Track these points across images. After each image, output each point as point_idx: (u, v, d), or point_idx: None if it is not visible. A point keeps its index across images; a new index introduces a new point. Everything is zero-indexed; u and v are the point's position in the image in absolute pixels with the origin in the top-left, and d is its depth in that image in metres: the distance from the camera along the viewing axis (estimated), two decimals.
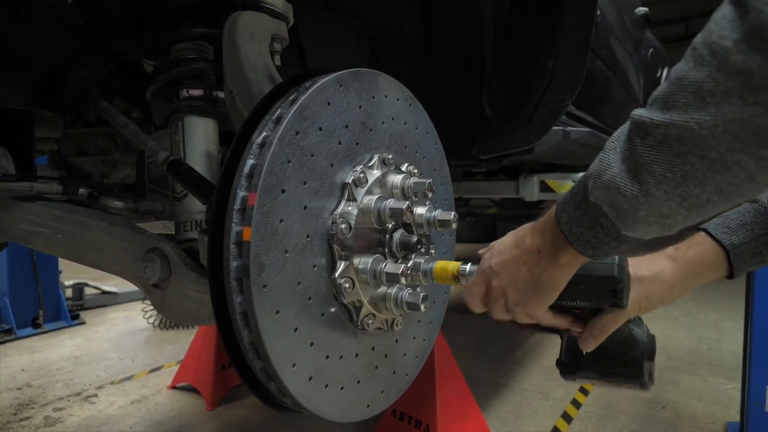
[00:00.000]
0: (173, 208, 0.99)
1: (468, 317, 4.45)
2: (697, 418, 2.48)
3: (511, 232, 0.73)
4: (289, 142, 0.66)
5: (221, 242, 0.63)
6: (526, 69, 1.40)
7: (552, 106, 1.39)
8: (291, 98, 0.71)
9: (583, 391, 2.81)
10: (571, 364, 0.84)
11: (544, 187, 2.03)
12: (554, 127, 1.56)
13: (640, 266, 0.77)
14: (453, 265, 0.80)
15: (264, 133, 0.67)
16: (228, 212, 0.63)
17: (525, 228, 0.70)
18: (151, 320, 4.15)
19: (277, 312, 0.65)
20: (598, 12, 1.69)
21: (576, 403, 2.66)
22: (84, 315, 4.47)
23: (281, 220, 0.65)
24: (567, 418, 2.50)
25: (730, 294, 4.29)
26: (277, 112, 0.69)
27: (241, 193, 0.64)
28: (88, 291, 4.83)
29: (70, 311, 4.35)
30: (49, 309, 4.17)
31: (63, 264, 4.29)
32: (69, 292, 4.66)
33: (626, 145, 0.52)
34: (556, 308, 0.73)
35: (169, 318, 0.95)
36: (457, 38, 1.48)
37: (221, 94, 1.01)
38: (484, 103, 1.49)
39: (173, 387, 2.94)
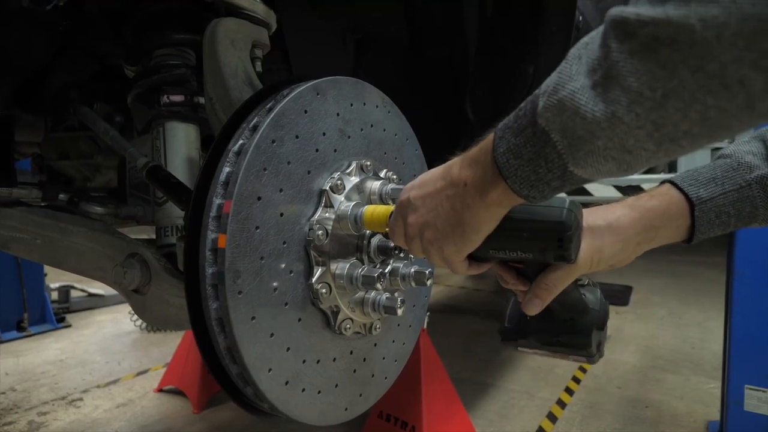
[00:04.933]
0: (154, 214, 0.99)
1: (455, 318, 4.47)
2: (679, 417, 2.52)
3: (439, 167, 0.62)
4: (265, 150, 0.67)
5: (197, 249, 0.64)
6: (508, 73, 1.42)
7: None
8: (268, 106, 0.72)
9: (569, 391, 2.84)
10: (514, 331, 0.77)
11: None
12: None
13: (593, 214, 0.67)
14: (382, 210, 0.72)
15: (240, 141, 0.68)
16: (204, 219, 0.64)
17: (455, 158, 0.59)
18: (138, 323, 4.11)
19: (253, 318, 0.66)
20: (580, 18, 1.70)
21: (561, 403, 2.69)
22: (70, 318, 4.42)
23: (257, 227, 0.66)
24: (552, 417, 2.52)
25: (717, 293, 4.36)
26: (254, 120, 0.70)
27: (216, 201, 0.65)
28: (74, 293, 4.79)
29: (56, 314, 4.30)
30: (34, 312, 4.12)
31: (49, 266, 4.25)
32: (55, 295, 4.61)
33: (597, 52, 0.40)
34: (484, 259, 0.63)
35: (150, 323, 0.96)
36: (442, 40, 1.50)
37: (202, 100, 1.01)
38: (468, 105, 1.51)
39: (160, 390, 2.92)
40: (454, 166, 0.58)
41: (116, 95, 1.30)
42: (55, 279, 4.66)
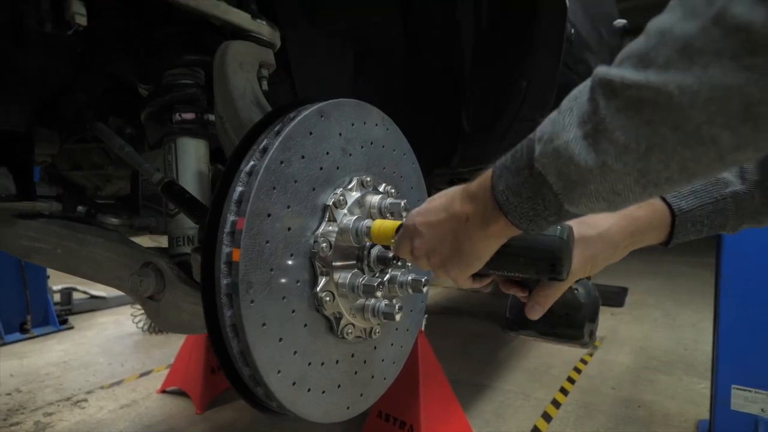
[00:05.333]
0: (167, 225, 1.05)
1: (453, 320, 4.53)
2: (671, 417, 2.58)
3: (443, 191, 0.68)
4: (274, 171, 0.73)
5: (213, 262, 0.70)
6: (502, 86, 1.48)
7: (526, 122, 1.47)
8: (276, 129, 0.78)
9: (564, 391, 2.90)
10: (515, 322, 0.86)
11: None
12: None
13: (585, 225, 0.72)
14: (389, 226, 0.78)
15: (251, 163, 0.74)
16: (219, 235, 0.70)
17: (456, 190, 0.65)
18: (140, 324, 4.17)
19: (264, 324, 0.72)
20: (572, 30, 1.77)
21: (556, 403, 2.75)
22: (72, 320, 4.47)
23: (267, 242, 0.72)
24: (547, 417, 2.59)
25: (711, 294, 4.43)
26: (264, 143, 0.76)
27: (231, 218, 0.71)
28: (76, 295, 4.84)
29: (59, 316, 4.35)
30: (37, 314, 4.17)
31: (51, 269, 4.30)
32: (57, 297, 4.66)
33: (587, 105, 0.45)
34: (485, 276, 0.71)
35: (163, 328, 1.01)
36: (438, 53, 1.55)
37: (212, 117, 1.07)
38: (463, 117, 1.58)
39: (163, 391, 2.98)
40: (456, 199, 0.63)
41: (126, 108, 1.36)
42: (58, 281, 4.71)
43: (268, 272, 0.73)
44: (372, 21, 1.53)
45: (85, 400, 2.88)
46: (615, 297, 5.20)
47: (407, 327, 1.07)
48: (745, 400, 2.01)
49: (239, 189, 0.72)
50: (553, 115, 0.50)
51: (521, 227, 0.55)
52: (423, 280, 0.90)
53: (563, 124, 0.47)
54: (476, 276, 0.70)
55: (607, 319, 4.42)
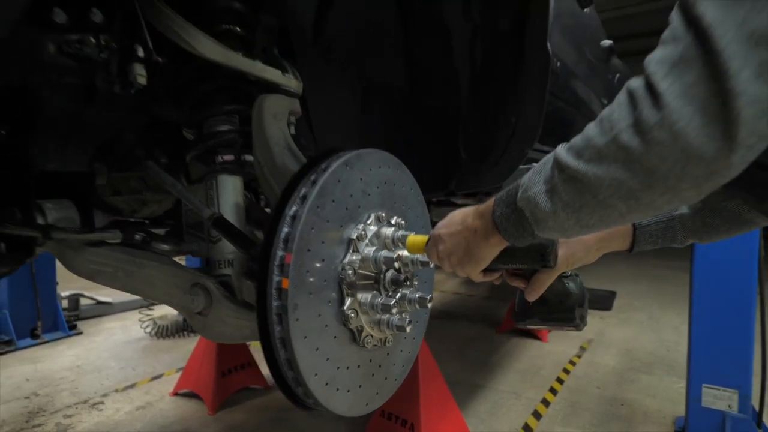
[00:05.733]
0: (209, 250, 1.23)
1: (449, 324, 4.73)
2: (650, 414, 2.78)
3: (461, 209, 0.89)
4: (312, 215, 0.92)
5: (265, 289, 0.89)
6: (494, 122, 1.68)
7: (515, 153, 1.67)
8: (312, 179, 0.97)
9: (553, 391, 3.10)
10: (521, 314, 1.07)
11: None
12: (520, 166, 1.84)
13: None
14: (420, 239, 1.00)
15: (294, 208, 0.93)
16: (270, 266, 0.89)
17: (470, 210, 0.85)
18: (148, 330, 4.33)
19: (305, 337, 0.90)
20: (558, 64, 1.96)
21: (546, 402, 2.94)
22: (80, 325, 4.61)
23: (307, 271, 0.91)
24: (537, 415, 2.78)
25: None
26: (303, 191, 0.94)
27: (279, 253, 0.89)
28: (83, 301, 4.97)
29: (67, 321, 4.49)
30: (47, 320, 4.31)
31: (59, 275, 4.44)
32: (65, 303, 4.80)
33: (549, 172, 0.64)
34: (494, 270, 0.91)
35: (209, 338, 1.19)
36: (437, 92, 1.75)
37: (248, 157, 1.26)
38: (460, 147, 1.77)
39: (175, 393, 3.14)
40: (469, 216, 0.85)
41: (163, 141, 1.54)
42: (65, 287, 4.85)
43: (308, 295, 0.91)
44: (378, 63, 1.73)
45: (102, 403, 3.04)
46: (604, 300, 5.42)
47: (413, 336, 1.26)
48: (714, 397, 2.21)
49: (285, 230, 0.91)
50: (533, 170, 0.70)
51: (510, 241, 0.77)
52: (428, 297, 1.09)
53: (534, 181, 0.67)
54: (486, 271, 0.90)
55: (596, 323, 4.63)
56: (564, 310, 1.03)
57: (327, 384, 0.96)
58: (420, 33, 1.65)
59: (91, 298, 5.07)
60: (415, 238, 1.02)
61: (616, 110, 0.55)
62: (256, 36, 1.35)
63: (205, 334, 1.17)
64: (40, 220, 1.12)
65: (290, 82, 1.24)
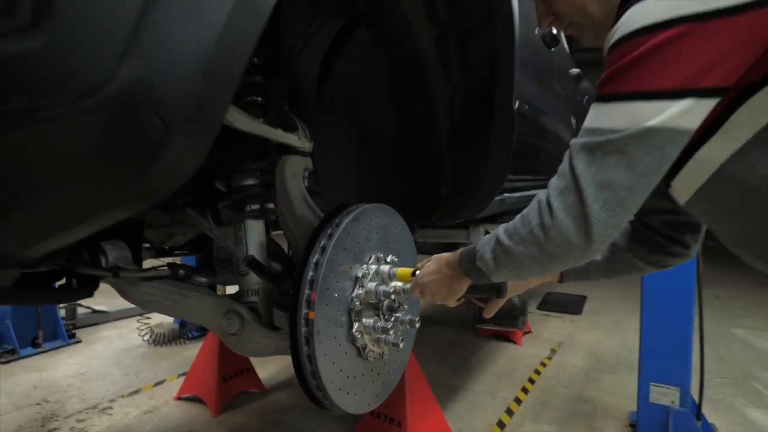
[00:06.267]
0: (239, 281, 1.52)
1: (431, 329, 5.04)
2: (610, 410, 3.13)
3: (434, 258, 1.15)
4: (330, 262, 1.22)
5: (296, 319, 1.18)
6: (468, 167, 1.99)
7: (486, 194, 1.99)
8: (329, 232, 1.27)
9: (525, 390, 3.42)
10: (481, 320, 1.47)
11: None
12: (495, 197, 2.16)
13: None
14: (406, 271, 1.30)
15: (316, 257, 1.22)
16: (300, 301, 1.18)
17: (442, 259, 1.12)
18: (146, 338, 4.54)
19: (326, 354, 1.20)
20: (526, 106, 2.29)
21: (518, 401, 3.27)
22: (78, 333, 4.78)
23: (327, 304, 1.21)
24: (510, 413, 3.10)
25: None
26: (323, 243, 1.24)
27: (306, 291, 1.19)
28: (80, 310, 5.15)
29: (66, 330, 4.66)
30: (47, 329, 4.47)
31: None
32: (63, 312, 4.96)
33: (493, 245, 0.92)
34: (467, 297, 1.23)
35: (240, 353, 1.47)
36: (422, 139, 2.06)
37: (270, 205, 1.55)
38: (441, 185, 2.09)
39: (179, 398, 3.38)
40: (443, 266, 1.12)
41: (198, 190, 1.80)
42: None
43: (327, 323, 1.21)
44: (372, 115, 2.03)
45: (110, 408, 3.26)
46: (574, 305, 5.80)
47: (404, 349, 1.57)
48: (659, 394, 2.57)
49: (311, 274, 1.20)
50: (485, 240, 0.97)
51: (475, 282, 1.06)
52: (416, 319, 1.40)
53: (485, 250, 0.95)
54: (458, 299, 1.19)
55: (566, 326, 4.99)
56: (510, 318, 1.45)
57: (340, 389, 1.26)
58: (407, 92, 1.96)
59: (88, 307, 5.24)
60: (402, 271, 1.33)
61: (531, 213, 0.84)
62: (271, 99, 1.63)
63: (237, 350, 1.45)
64: (102, 260, 1.39)
65: (304, 144, 1.53)
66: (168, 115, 0.64)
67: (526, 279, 0.97)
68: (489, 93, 1.84)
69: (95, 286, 1.41)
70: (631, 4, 0.74)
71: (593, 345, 4.42)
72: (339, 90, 1.97)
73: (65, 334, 4.59)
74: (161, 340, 4.58)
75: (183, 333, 4.69)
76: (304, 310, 1.18)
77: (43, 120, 0.57)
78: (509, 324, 1.40)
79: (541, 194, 0.85)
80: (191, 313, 1.45)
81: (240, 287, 1.52)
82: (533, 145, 2.79)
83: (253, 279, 1.50)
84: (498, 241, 0.92)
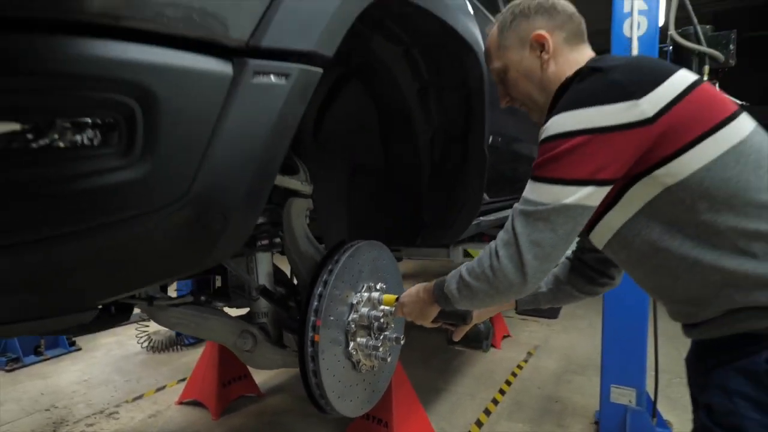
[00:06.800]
0: (250, 305, 1.78)
1: (416, 335, 5.31)
2: (578, 409, 3.44)
3: (417, 285, 1.34)
4: (331, 294, 1.49)
5: (304, 341, 1.45)
6: (447, 198, 2.28)
7: (463, 221, 2.28)
8: (330, 268, 1.54)
9: (502, 391, 3.72)
10: (451, 342, 1.65)
11: (466, 254, 2.96)
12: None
13: None
14: (391, 297, 1.52)
15: (320, 289, 1.49)
16: (307, 327, 1.45)
17: (422, 286, 1.31)
18: (145, 345, 4.75)
19: (327, 369, 1.48)
20: (500, 139, 2.58)
21: (495, 401, 3.55)
22: (78, 341, 4.94)
23: (329, 328, 1.48)
24: (487, 412, 3.37)
25: None
26: (325, 278, 1.51)
27: (312, 318, 1.46)
28: None
29: (66, 338, 4.84)
30: (48, 337, 4.64)
31: None
32: None
33: (458, 279, 1.11)
34: (438, 322, 1.43)
35: (253, 367, 1.73)
36: (407, 172, 2.34)
37: (276, 239, 1.82)
38: (424, 213, 2.37)
39: (180, 402, 3.61)
40: (420, 292, 1.32)
41: None
42: None
43: (329, 343, 1.48)
44: (363, 151, 2.31)
45: (117, 413, 3.47)
46: (551, 310, 6.13)
47: (391, 361, 1.85)
48: (618, 394, 2.88)
49: (315, 304, 1.47)
50: (453, 274, 1.17)
51: (444, 308, 1.27)
52: (401, 337, 1.68)
53: (452, 283, 1.15)
54: (432, 321, 1.45)
55: (543, 330, 5.31)
56: (476, 339, 1.66)
57: (339, 397, 1.54)
58: (394, 133, 2.24)
59: None
60: (388, 297, 1.61)
61: (484, 257, 1.05)
62: None
63: (250, 365, 1.72)
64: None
65: (306, 188, 1.80)
66: (228, 211, 0.91)
67: (481, 308, 1.25)
68: (464, 135, 2.13)
69: (130, 313, 1.66)
70: (557, 111, 1.03)
71: (567, 348, 4.74)
72: (333, 130, 2.24)
73: (66, 342, 4.76)
74: (159, 346, 4.79)
75: (179, 340, 4.89)
76: (310, 333, 1.45)
77: (143, 221, 0.84)
78: (475, 346, 1.69)
79: (492, 243, 1.12)
80: (211, 333, 1.71)
81: (251, 309, 1.78)
82: (507, 173, 3.08)
83: (263, 303, 1.77)
84: (461, 276, 1.14)
